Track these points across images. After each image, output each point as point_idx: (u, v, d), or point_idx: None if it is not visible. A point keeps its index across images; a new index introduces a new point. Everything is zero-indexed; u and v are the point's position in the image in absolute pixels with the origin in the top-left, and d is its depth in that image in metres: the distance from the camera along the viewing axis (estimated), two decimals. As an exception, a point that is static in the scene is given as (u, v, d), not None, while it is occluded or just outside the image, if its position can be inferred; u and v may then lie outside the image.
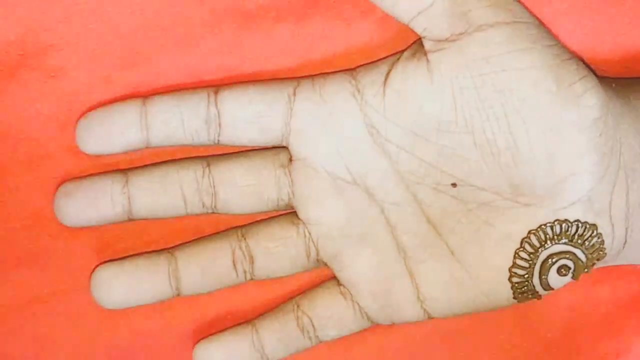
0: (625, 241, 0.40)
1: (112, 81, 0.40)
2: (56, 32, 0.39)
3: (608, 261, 0.41)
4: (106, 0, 0.39)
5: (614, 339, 0.47)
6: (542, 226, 0.39)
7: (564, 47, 0.39)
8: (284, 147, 0.41)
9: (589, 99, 0.38)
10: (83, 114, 0.40)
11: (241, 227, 0.42)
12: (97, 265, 0.42)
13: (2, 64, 0.39)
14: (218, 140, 0.40)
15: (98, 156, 0.41)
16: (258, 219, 0.43)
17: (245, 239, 0.42)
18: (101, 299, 0.41)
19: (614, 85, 0.41)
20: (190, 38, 0.40)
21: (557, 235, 0.39)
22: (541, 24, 0.39)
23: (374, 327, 0.43)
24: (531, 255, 0.40)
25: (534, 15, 0.39)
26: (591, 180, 0.38)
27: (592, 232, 0.39)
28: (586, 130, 0.38)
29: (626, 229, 0.40)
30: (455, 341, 0.46)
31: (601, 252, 0.40)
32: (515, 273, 0.40)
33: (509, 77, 0.38)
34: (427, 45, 0.39)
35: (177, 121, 0.40)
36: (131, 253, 0.42)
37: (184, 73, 0.41)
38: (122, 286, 0.41)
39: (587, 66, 0.40)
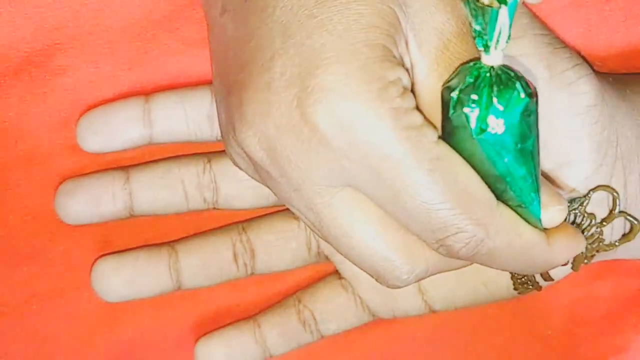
0: (624, 232, 0.40)
1: (117, 81, 0.41)
2: (63, 31, 0.40)
3: (608, 254, 0.41)
4: (113, 1, 0.40)
5: (614, 336, 0.47)
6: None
7: (557, 37, 0.39)
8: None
9: (583, 86, 0.38)
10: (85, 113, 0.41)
11: (242, 221, 0.43)
12: (97, 258, 0.42)
13: (8, 61, 0.40)
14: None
15: (99, 154, 0.41)
16: (258, 215, 0.43)
17: (246, 232, 0.42)
18: (102, 292, 0.41)
19: (610, 79, 0.41)
20: (196, 39, 0.40)
21: (555, 224, 0.39)
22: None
23: (375, 323, 0.43)
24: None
25: (529, 9, 0.39)
26: (588, 168, 0.38)
27: (590, 222, 0.39)
28: (580, 116, 0.38)
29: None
30: (455, 338, 0.46)
31: (600, 243, 0.40)
32: (515, 263, 0.40)
33: None
34: None
35: (180, 117, 0.40)
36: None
37: (190, 74, 0.41)
38: (123, 279, 0.41)
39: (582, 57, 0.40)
